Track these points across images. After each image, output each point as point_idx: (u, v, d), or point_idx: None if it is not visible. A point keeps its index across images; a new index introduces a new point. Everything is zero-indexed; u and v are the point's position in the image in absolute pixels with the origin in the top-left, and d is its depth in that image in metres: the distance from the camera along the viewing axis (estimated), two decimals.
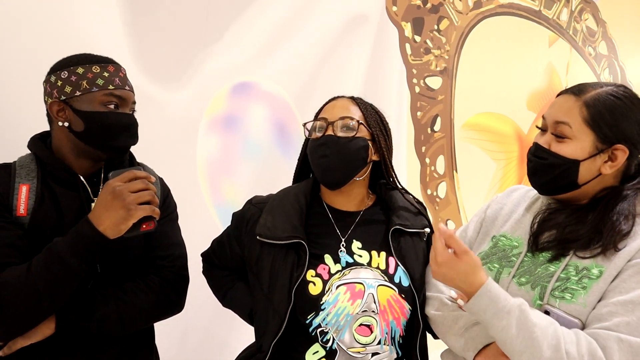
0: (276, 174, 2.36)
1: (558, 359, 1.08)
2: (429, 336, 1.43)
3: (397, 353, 1.36)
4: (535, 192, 1.37)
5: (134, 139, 1.39)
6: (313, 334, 1.31)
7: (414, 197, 1.54)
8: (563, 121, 1.24)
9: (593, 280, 1.17)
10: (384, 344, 1.33)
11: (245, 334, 1.58)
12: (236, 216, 1.52)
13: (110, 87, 1.32)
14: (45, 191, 1.32)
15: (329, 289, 1.32)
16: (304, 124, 1.48)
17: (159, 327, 1.51)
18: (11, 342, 1.25)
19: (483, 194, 3.38)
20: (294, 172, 1.58)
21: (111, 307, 1.30)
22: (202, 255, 1.62)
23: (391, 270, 1.38)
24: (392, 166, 1.49)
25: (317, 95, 1.70)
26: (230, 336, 2.21)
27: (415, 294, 1.37)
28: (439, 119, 3.18)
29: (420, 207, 1.52)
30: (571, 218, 1.25)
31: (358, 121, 1.41)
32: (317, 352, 1.31)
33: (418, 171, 3.11)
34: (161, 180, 1.52)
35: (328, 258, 1.37)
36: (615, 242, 1.17)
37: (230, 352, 1.65)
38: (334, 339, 1.31)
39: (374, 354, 1.32)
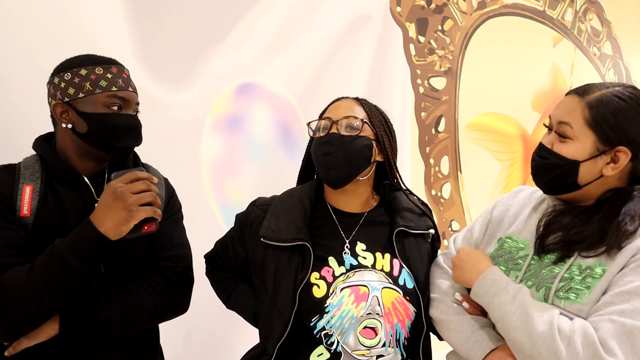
0: (280, 175, 2.37)
1: (550, 333, 1.10)
2: (433, 337, 1.43)
3: (402, 355, 1.36)
4: (541, 192, 1.37)
5: (137, 139, 1.38)
6: (317, 336, 1.31)
7: (418, 198, 1.53)
8: (565, 121, 1.24)
9: (597, 280, 1.16)
10: (389, 347, 1.32)
11: (249, 335, 1.58)
12: (239, 218, 1.52)
13: (113, 88, 1.32)
14: (49, 192, 1.32)
15: (333, 291, 1.32)
16: (308, 124, 1.48)
17: (164, 327, 1.51)
18: (16, 342, 1.25)
19: (487, 195, 3.38)
20: (298, 172, 1.57)
21: (114, 308, 1.30)
22: (205, 256, 1.62)
23: (395, 272, 1.37)
24: (396, 167, 1.49)
25: (321, 96, 1.70)
26: (234, 337, 2.21)
27: (419, 296, 1.36)
28: (443, 120, 3.17)
29: (424, 208, 1.51)
30: (576, 220, 1.24)
31: (362, 120, 1.41)
32: (322, 354, 1.31)
33: (422, 172, 3.10)
34: (166, 180, 1.52)
35: (332, 260, 1.36)
36: (620, 242, 1.17)
37: (234, 353, 1.65)
38: (338, 342, 1.30)
39: (378, 357, 1.31)
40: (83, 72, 1.31)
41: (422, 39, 3.05)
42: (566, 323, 1.12)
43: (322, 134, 1.42)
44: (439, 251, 1.51)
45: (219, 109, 2.32)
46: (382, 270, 1.37)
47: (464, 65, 3.24)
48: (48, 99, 1.35)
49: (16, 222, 1.27)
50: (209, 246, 1.62)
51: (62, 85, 1.31)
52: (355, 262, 1.37)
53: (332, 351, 1.30)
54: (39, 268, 1.19)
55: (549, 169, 1.26)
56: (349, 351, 1.30)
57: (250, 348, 1.49)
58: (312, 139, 1.48)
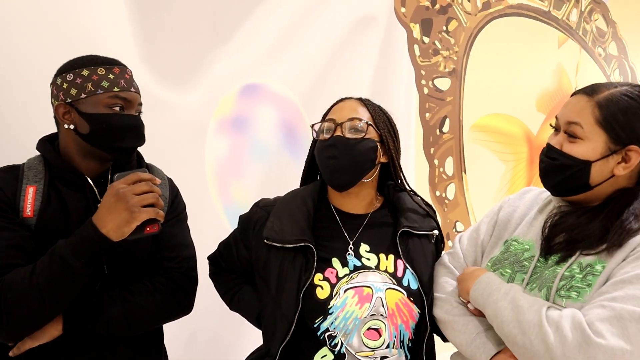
0: (284, 176, 2.36)
1: (538, 320, 1.11)
2: (437, 338, 1.42)
3: (406, 356, 1.35)
4: (547, 193, 1.36)
5: (140, 140, 1.38)
6: (321, 337, 1.31)
7: (422, 199, 1.53)
8: (575, 121, 1.23)
9: (597, 277, 1.15)
10: (393, 348, 1.32)
11: (253, 336, 1.58)
12: (243, 219, 1.51)
13: (115, 89, 1.32)
14: (52, 192, 1.32)
15: (336, 292, 1.31)
16: (312, 126, 1.47)
17: (168, 328, 1.51)
18: (20, 343, 1.25)
19: (492, 196, 3.37)
20: (301, 173, 1.57)
21: (118, 309, 1.30)
22: (209, 258, 1.62)
23: (399, 273, 1.37)
24: (400, 168, 1.48)
25: (325, 97, 1.70)
26: (238, 338, 2.21)
27: (423, 297, 1.36)
28: (447, 120, 3.17)
29: (428, 209, 1.50)
30: (580, 220, 1.23)
31: (367, 122, 1.40)
32: (326, 356, 1.31)
33: (427, 173, 3.10)
34: (170, 180, 1.52)
35: (336, 261, 1.36)
36: (622, 240, 1.15)
37: (238, 354, 1.65)
38: (342, 343, 1.30)
39: (382, 358, 1.31)
40: (85, 72, 1.31)
41: (426, 39, 3.04)
42: (555, 311, 1.12)
43: (326, 137, 1.41)
44: (443, 252, 1.50)
45: (224, 110, 2.32)
46: (386, 271, 1.36)
47: (468, 66, 3.23)
48: (51, 100, 1.35)
49: (19, 222, 1.28)
50: (213, 247, 1.62)
51: (65, 86, 1.31)
52: (359, 263, 1.36)
53: (335, 352, 1.30)
54: (41, 269, 1.19)
55: (559, 170, 1.25)
56: (353, 352, 1.29)
57: (254, 349, 1.49)
58: (315, 140, 1.47)
